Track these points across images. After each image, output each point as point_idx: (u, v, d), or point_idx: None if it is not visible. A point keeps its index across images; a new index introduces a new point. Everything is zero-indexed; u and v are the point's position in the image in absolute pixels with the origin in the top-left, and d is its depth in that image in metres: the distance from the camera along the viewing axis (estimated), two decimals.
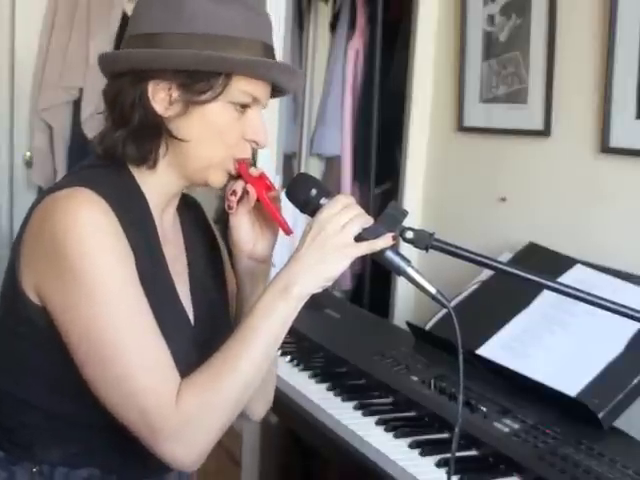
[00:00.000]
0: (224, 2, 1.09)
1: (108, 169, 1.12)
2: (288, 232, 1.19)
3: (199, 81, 1.08)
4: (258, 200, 1.16)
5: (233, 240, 1.21)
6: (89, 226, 1.02)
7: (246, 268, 1.23)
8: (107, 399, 1.05)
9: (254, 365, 1.07)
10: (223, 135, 1.12)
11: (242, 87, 1.10)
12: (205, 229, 1.33)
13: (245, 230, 1.19)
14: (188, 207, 1.29)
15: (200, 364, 1.08)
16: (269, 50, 1.13)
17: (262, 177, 1.17)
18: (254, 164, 1.18)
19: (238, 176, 1.15)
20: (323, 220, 1.08)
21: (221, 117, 1.11)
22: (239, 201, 1.17)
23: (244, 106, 1.12)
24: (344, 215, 1.08)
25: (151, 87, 1.09)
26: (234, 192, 1.16)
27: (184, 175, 1.16)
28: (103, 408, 1.06)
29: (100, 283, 1.02)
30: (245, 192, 1.15)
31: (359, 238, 1.09)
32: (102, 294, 1.02)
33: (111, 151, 1.12)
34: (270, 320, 1.07)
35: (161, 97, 1.10)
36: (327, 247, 1.06)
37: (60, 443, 1.13)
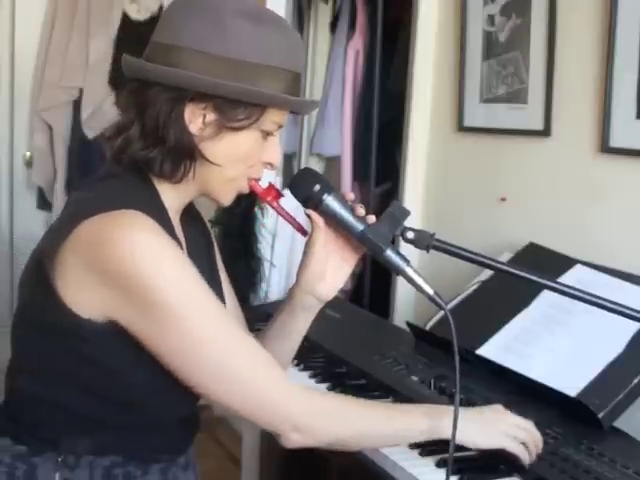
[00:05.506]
0: (262, 26, 1.10)
1: (132, 180, 1.13)
2: (304, 233, 1.23)
3: (237, 108, 1.10)
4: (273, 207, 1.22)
5: (304, 268, 1.25)
6: (157, 250, 1.04)
7: (304, 303, 1.29)
8: (229, 402, 1.11)
9: (377, 436, 1.24)
10: (247, 159, 1.16)
11: (273, 117, 1.15)
12: (206, 238, 1.35)
13: (318, 261, 1.23)
14: (190, 215, 1.29)
15: None
16: (299, 79, 1.16)
17: (270, 187, 1.21)
18: None
19: (250, 193, 1.19)
20: (509, 420, 1.29)
21: (250, 143, 1.14)
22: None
23: (269, 133, 1.16)
24: (522, 433, 1.28)
25: (189, 108, 1.10)
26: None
27: (201, 190, 1.19)
28: (132, 408, 1.10)
29: (191, 301, 1.06)
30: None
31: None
32: (196, 310, 1.06)
33: (145, 167, 1.12)
34: (408, 427, 1.24)
35: (196, 116, 1.11)
36: (489, 424, 1.27)
37: (87, 436, 1.14)
